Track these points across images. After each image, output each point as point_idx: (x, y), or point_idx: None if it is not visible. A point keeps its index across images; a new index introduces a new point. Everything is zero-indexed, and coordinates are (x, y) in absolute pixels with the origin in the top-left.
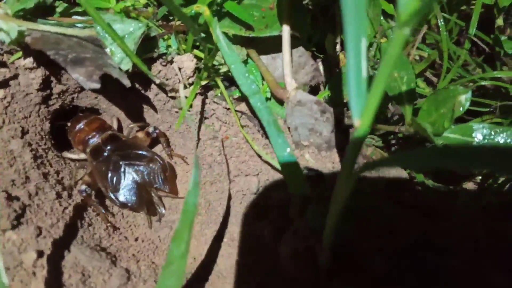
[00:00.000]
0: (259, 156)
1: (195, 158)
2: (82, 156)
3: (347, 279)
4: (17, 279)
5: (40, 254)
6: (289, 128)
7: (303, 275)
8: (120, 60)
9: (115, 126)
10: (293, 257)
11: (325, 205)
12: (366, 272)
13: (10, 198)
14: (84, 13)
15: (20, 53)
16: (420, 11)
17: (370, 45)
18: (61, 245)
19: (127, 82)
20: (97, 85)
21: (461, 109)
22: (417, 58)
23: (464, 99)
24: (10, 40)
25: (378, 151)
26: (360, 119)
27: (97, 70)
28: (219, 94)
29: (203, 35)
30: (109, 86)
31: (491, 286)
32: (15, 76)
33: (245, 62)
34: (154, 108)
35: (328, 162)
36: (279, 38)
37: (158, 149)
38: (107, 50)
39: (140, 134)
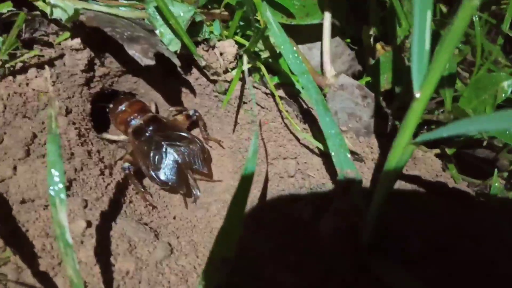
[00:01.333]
0: (298, 140)
1: (256, 130)
2: (121, 137)
3: (386, 256)
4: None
5: (88, 224)
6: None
7: (344, 250)
8: (169, 41)
9: (153, 109)
10: (335, 233)
11: (364, 186)
12: (403, 251)
13: None
14: None
15: (66, 34)
16: None
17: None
18: (107, 217)
19: (177, 61)
20: (152, 62)
21: (503, 95)
22: None
23: (507, 85)
24: (67, 16)
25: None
26: (420, 90)
27: (151, 47)
28: (258, 80)
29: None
30: (151, 70)
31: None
32: (61, 56)
33: None
34: (193, 92)
35: (366, 147)
36: (316, 28)
37: (194, 132)
38: (157, 31)
39: (180, 117)
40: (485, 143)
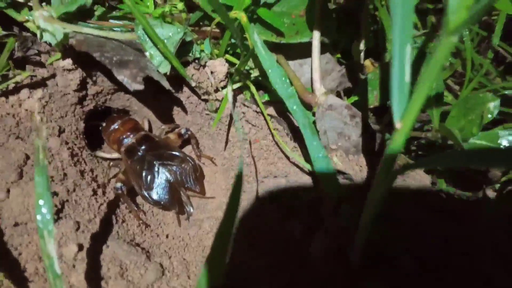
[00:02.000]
0: (288, 158)
1: (241, 156)
2: (114, 155)
3: (377, 276)
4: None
5: (80, 247)
6: (318, 131)
7: (335, 272)
8: (159, 63)
9: (146, 127)
10: (325, 255)
11: (355, 205)
12: (395, 271)
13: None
14: (121, 18)
15: (58, 55)
16: (469, 21)
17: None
18: (99, 239)
19: (166, 84)
20: (141, 87)
21: (489, 116)
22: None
23: (493, 106)
24: (56, 41)
25: (402, 156)
26: (401, 121)
27: (140, 72)
28: (249, 98)
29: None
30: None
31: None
32: (53, 76)
33: None
34: (185, 110)
35: (356, 165)
36: (306, 45)
37: (186, 150)
38: (147, 53)
39: (172, 135)
40: None
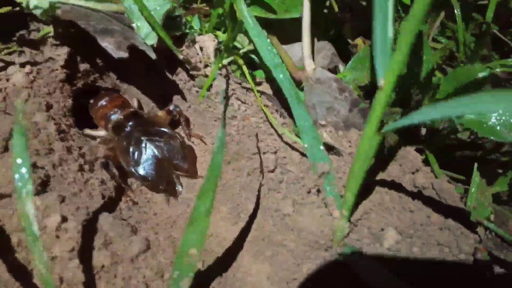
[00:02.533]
0: (278, 135)
1: (222, 119)
2: (102, 133)
3: (361, 251)
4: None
5: (63, 219)
6: (306, 106)
7: (319, 247)
8: (146, 35)
9: (135, 105)
10: (310, 228)
11: (341, 180)
12: (379, 246)
13: (35, 166)
14: None
15: (46, 30)
16: None
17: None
18: (84, 212)
19: (152, 55)
20: (125, 54)
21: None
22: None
23: (482, 76)
24: (41, 11)
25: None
26: (384, 78)
27: (125, 41)
28: (239, 75)
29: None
30: (132, 65)
31: None
32: (41, 52)
33: None
34: (175, 87)
35: (345, 141)
36: (298, 25)
37: (179, 130)
38: (134, 25)
39: (160, 113)
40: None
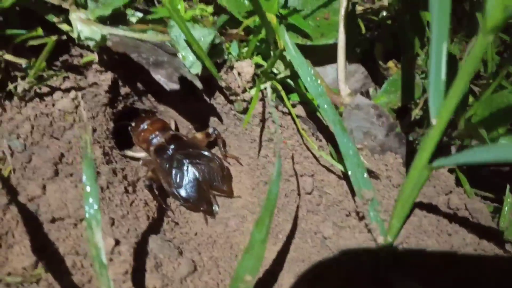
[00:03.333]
0: (315, 158)
1: (278, 150)
2: (142, 154)
3: (403, 271)
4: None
5: (116, 242)
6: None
7: (362, 268)
8: (191, 64)
9: (172, 127)
10: (352, 251)
11: (381, 203)
12: (421, 267)
13: None
14: (152, 21)
15: (90, 57)
16: (505, 21)
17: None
18: (134, 234)
19: (199, 84)
20: (176, 86)
21: None
22: None
23: None
24: (94, 43)
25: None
26: (437, 118)
27: (175, 72)
28: (274, 99)
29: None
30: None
31: None
32: (85, 78)
33: None
34: (213, 111)
35: (382, 164)
36: (330, 48)
37: (214, 151)
38: (179, 55)
39: (199, 135)
40: None
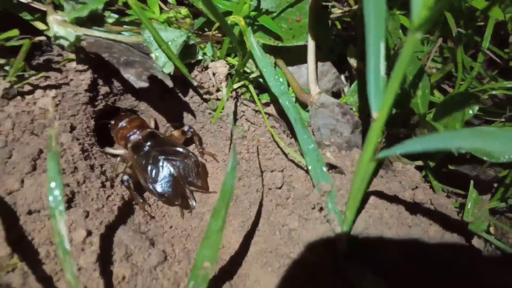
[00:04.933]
0: (284, 154)
1: (233, 146)
2: (122, 151)
3: (361, 264)
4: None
5: (88, 233)
6: (312, 129)
7: (322, 259)
8: (163, 64)
9: (152, 125)
10: (315, 243)
11: (343, 197)
12: (379, 260)
13: None
14: (129, 24)
15: (70, 57)
16: (429, 19)
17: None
18: (107, 226)
19: (170, 83)
20: (145, 84)
21: (470, 112)
22: (434, 70)
23: (471, 114)
24: (68, 43)
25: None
26: (378, 112)
27: (145, 71)
28: (249, 98)
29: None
30: (149, 89)
31: None
32: (66, 77)
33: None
34: (189, 109)
35: (348, 160)
36: (303, 49)
37: (190, 148)
38: (152, 55)
39: (176, 133)
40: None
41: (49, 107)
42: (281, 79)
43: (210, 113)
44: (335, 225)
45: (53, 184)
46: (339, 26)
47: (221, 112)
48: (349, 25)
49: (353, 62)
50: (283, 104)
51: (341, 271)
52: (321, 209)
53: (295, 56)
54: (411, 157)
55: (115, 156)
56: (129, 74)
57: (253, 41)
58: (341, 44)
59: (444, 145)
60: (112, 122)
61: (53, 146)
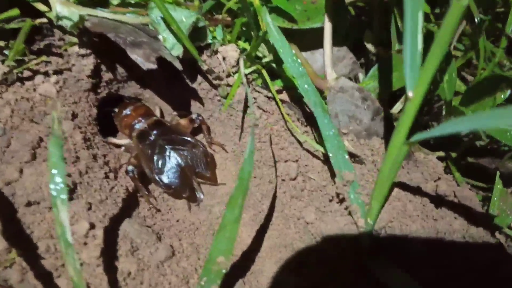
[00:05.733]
0: (299, 143)
1: (252, 128)
2: (126, 141)
3: (385, 258)
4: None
5: (91, 225)
6: (329, 115)
7: (344, 253)
8: (172, 46)
9: (157, 114)
10: (334, 237)
11: (363, 188)
12: (403, 254)
13: None
14: (134, 6)
15: (72, 41)
16: None
17: None
18: (111, 219)
19: (179, 66)
20: (154, 66)
21: (502, 96)
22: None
23: (505, 86)
24: (72, 23)
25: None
26: (413, 90)
27: (153, 52)
28: (260, 84)
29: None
30: (154, 75)
31: None
32: (67, 62)
33: None
34: (197, 96)
35: (367, 149)
36: (318, 33)
37: (199, 137)
38: (160, 37)
39: (183, 121)
40: (488, 146)
41: (53, 90)
42: (299, 61)
43: (219, 101)
44: (357, 217)
45: (54, 171)
46: (352, 12)
47: (231, 99)
48: (362, 10)
49: (370, 47)
50: (301, 87)
51: (364, 266)
52: (341, 200)
53: (309, 41)
54: (432, 147)
55: (118, 146)
56: (136, 55)
57: (269, 20)
58: (357, 29)
59: (493, 124)
60: (116, 109)
61: (56, 129)
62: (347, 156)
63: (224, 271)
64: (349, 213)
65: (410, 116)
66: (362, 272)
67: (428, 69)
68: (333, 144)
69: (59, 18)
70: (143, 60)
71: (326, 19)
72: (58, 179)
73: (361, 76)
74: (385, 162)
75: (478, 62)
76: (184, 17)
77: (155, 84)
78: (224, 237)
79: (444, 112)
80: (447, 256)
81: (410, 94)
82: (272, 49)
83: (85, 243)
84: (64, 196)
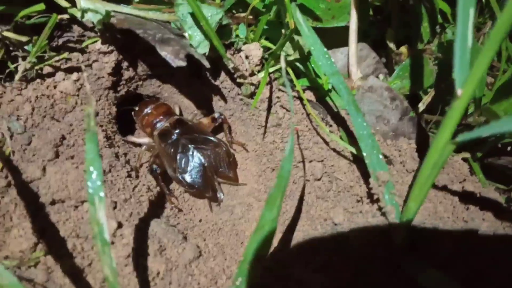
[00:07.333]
0: (325, 143)
1: (291, 129)
2: (146, 140)
3: (419, 256)
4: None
5: (119, 225)
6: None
7: (375, 255)
8: (198, 44)
9: (177, 112)
10: (365, 237)
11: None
12: (434, 253)
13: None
14: (157, 2)
15: (94, 38)
16: None
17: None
18: (137, 218)
19: (206, 63)
20: (183, 63)
21: None
22: None
23: None
24: (98, 19)
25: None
26: (462, 88)
27: (182, 49)
28: (283, 84)
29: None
30: (175, 74)
31: None
32: (88, 59)
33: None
34: (220, 94)
35: (394, 150)
36: (341, 31)
37: (219, 136)
38: (186, 34)
39: (205, 120)
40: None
41: (85, 84)
42: (332, 58)
43: (241, 99)
44: (392, 218)
45: (91, 168)
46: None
47: (252, 98)
48: (378, 9)
49: (392, 46)
50: (335, 86)
51: (394, 266)
52: (375, 201)
53: (331, 39)
54: (456, 149)
55: (138, 145)
56: (166, 52)
57: (300, 17)
58: (377, 30)
59: None
60: (136, 108)
61: (91, 125)
62: (381, 156)
63: (260, 270)
64: (382, 214)
65: (457, 115)
66: (392, 273)
67: (479, 67)
68: (367, 144)
69: (84, 14)
70: (172, 57)
71: (353, 18)
72: (94, 176)
73: (381, 76)
74: (427, 162)
75: (499, 63)
76: (211, 14)
77: (175, 82)
78: (261, 236)
79: (473, 110)
80: (476, 257)
81: (458, 92)
82: (297, 47)
83: (113, 242)
84: (102, 194)
